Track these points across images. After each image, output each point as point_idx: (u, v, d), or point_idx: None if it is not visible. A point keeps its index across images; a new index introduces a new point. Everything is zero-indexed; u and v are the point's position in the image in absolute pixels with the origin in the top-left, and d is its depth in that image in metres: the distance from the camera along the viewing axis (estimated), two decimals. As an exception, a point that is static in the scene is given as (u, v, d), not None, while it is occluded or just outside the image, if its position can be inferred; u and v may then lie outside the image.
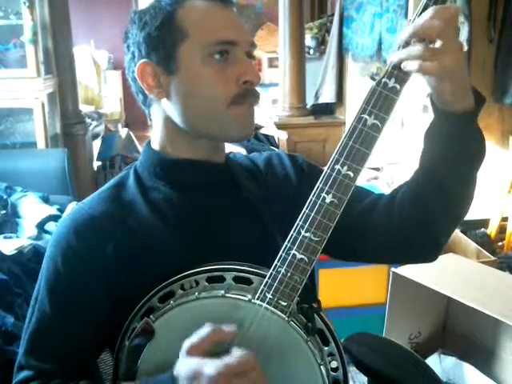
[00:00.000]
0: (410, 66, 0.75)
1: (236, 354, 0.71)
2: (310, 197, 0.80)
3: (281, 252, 0.80)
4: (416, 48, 0.74)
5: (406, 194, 0.93)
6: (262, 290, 0.80)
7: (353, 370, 1.18)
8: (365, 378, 1.15)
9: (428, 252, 0.98)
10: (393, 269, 1.96)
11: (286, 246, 0.80)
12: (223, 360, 0.71)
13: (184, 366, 0.73)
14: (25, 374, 0.87)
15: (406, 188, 0.94)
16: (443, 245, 0.96)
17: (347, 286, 2.26)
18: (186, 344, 0.74)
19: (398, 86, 0.78)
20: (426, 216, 0.90)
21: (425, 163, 0.88)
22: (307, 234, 0.79)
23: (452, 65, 0.74)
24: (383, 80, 0.78)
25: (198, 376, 0.71)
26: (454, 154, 0.84)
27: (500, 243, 2.95)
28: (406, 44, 0.76)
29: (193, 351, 0.73)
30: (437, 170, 0.86)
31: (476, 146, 0.85)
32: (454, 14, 0.75)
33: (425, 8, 0.76)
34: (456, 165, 0.85)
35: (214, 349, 0.74)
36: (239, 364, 0.71)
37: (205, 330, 0.74)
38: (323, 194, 0.79)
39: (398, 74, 0.78)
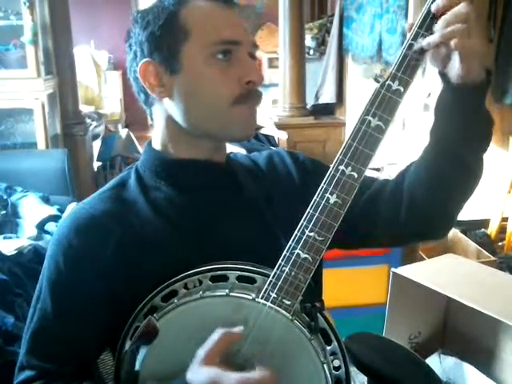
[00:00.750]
0: (456, 45, 0.76)
1: (258, 370, 0.73)
2: (314, 197, 0.81)
3: (285, 251, 0.81)
4: (460, 25, 0.76)
5: (419, 172, 0.93)
6: (266, 289, 0.80)
7: (353, 370, 1.18)
8: (365, 378, 1.15)
9: (440, 228, 0.99)
10: (393, 269, 1.96)
11: (291, 245, 0.80)
12: (244, 374, 0.73)
13: (200, 375, 0.74)
14: (26, 373, 0.87)
15: (416, 167, 0.94)
16: (455, 219, 0.97)
17: (347, 286, 2.26)
18: (201, 352, 0.75)
19: (401, 89, 0.79)
20: (441, 190, 0.91)
21: (440, 139, 0.89)
22: (311, 234, 0.80)
23: (481, 41, 0.78)
24: (387, 82, 0.79)
25: None
26: (469, 124, 0.85)
27: (500, 243, 2.95)
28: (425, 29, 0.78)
29: (208, 360, 0.74)
30: (452, 142, 0.87)
31: (487, 117, 0.87)
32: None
33: (428, 10, 0.78)
34: (471, 135, 0.86)
35: (227, 350, 0.75)
36: (260, 380, 0.72)
37: (216, 335, 0.75)
38: (327, 195, 0.80)
39: (402, 77, 0.78)
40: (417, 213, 0.94)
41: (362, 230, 0.99)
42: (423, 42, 0.78)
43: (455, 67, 0.81)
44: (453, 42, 0.76)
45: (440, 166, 0.90)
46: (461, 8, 0.76)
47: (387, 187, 0.99)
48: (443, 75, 0.84)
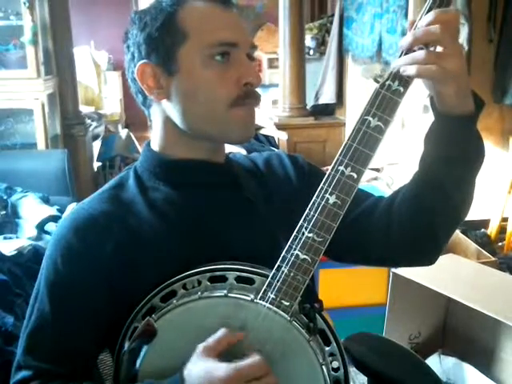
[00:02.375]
0: (410, 70, 0.75)
1: (248, 359, 0.74)
2: (314, 198, 0.80)
3: (284, 252, 0.80)
4: (418, 53, 0.75)
5: (406, 197, 0.93)
6: (265, 289, 0.80)
7: (353, 371, 1.18)
8: (365, 378, 1.15)
9: (428, 254, 0.98)
10: (393, 269, 1.96)
11: (290, 246, 0.80)
12: (235, 364, 0.73)
13: (197, 367, 0.75)
14: (23, 374, 0.86)
15: (405, 191, 0.94)
16: (443, 247, 0.96)
17: (347, 286, 2.26)
18: (200, 347, 0.76)
19: (401, 89, 0.78)
20: (426, 218, 0.90)
21: (425, 166, 0.88)
22: (310, 235, 0.80)
23: (454, 68, 0.75)
24: (387, 82, 0.78)
25: (210, 378, 0.73)
26: (454, 156, 0.84)
27: (500, 244, 2.95)
28: (408, 50, 0.77)
29: (208, 353, 0.75)
30: (437, 173, 0.86)
31: (476, 149, 0.85)
32: (453, 17, 0.75)
33: (429, 10, 0.77)
34: (457, 168, 0.85)
35: (226, 351, 0.76)
36: (250, 369, 0.73)
37: (218, 333, 0.76)
38: (326, 195, 0.80)
39: (402, 77, 0.78)
40: (404, 235, 0.93)
41: (351, 243, 0.97)
42: (392, 64, 0.78)
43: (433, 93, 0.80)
44: (403, 68, 0.76)
45: (423, 194, 0.89)
46: (433, 28, 0.74)
47: (380, 205, 0.98)
48: (432, 100, 0.83)
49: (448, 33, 0.74)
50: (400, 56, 0.78)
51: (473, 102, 0.81)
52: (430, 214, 0.89)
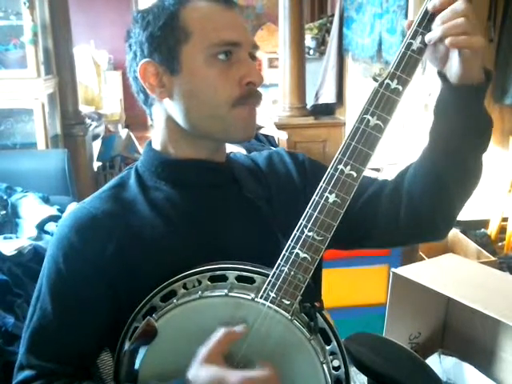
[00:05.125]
0: (456, 41, 0.76)
1: (260, 369, 0.75)
2: (313, 196, 0.80)
3: (284, 251, 0.80)
4: (459, 21, 0.75)
5: (419, 173, 0.93)
6: (266, 288, 0.80)
7: (353, 370, 1.18)
8: (365, 378, 1.15)
9: (440, 228, 0.99)
10: (393, 269, 1.96)
11: (290, 245, 0.80)
12: (247, 372, 0.74)
13: (203, 374, 0.74)
14: (25, 373, 0.86)
15: (415, 167, 0.94)
16: (455, 219, 0.97)
17: (347, 286, 2.26)
18: (203, 350, 0.76)
19: (400, 88, 0.79)
20: (441, 190, 0.91)
21: (440, 138, 0.89)
22: (310, 234, 0.80)
23: (482, 40, 0.77)
24: (386, 81, 0.79)
25: None
26: (468, 124, 0.85)
27: (500, 243, 2.95)
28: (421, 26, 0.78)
29: (211, 358, 0.75)
30: (452, 143, 0.87)
31: (486, 117, 0.87)
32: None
33: (425, 12, 0.77)
34: (470, 136, 0.86)
35: (229, 351, 0.77)
36: (262, 379, 0.74)
37: (219, 334, 0.76)
38: (326, 194, 0.80)
39: (401, 75, 0.78)
40: (416, 213, 0.94)
41: (362, 230, 0.99)
42: (425, 38, 0.78)
43: (454, 66, 0.80)
44: (451, 39, 0.76)
45: (439, 166, 0.90)
46: (457, 5, 0.76)
47: (386, 188, 0.98)
48: (442, 75, 0.84)
49: (469, 6, 0.75)
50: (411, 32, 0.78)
51: (482, 71, 0.82)
52: (445, 186, 0.90)
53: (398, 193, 0.95)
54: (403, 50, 0.78)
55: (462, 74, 0.81)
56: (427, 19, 0.78)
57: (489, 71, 0.84)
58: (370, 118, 0.79)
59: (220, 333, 0.77)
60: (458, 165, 0.88)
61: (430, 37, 0.77)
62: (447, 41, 0.76)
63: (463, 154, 0.87)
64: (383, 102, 0.79)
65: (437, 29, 0.77)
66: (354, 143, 0.79)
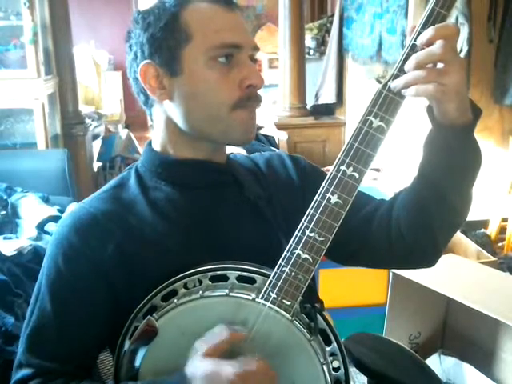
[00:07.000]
0: (410, 91, 0.75)
1: (254, 359, 0.74)
2: (316, 197, 0.80)
3: (285, 251, 0.80)
4: (418, 73, 0.74)
5: (405, 202, 0.93)
6: (266, 289, 0.80)
7: (353, 371, 1.19)
8: (365, 378, 1.15)
9: (427, 258, 0.98)
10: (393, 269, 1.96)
11: (291, 245, 0.80)
12: (242, 363, 0.73)
13: (201, 366, 0.74)
14: (24, 372, 0.86)
15: (404, 196, 0.94)
16: (442, 250, 0.96)
17: (347, 286, 2.26)
18: (203, 345, 0.76)
19: None
20: (426, 223, 0.90)
21: (424, 173, 0.88)
22: (312, 234, 0.80)
23: (455, 83, 0.74)
24: (389, 83, 0.78)
25: (216, 377, 0.73)
26: (454, 165, 0.84)
27: (500, 244, 2.95)
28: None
29: (211, 353, 0.75)
30: (437, 180, 0.86)
31: (474, 156, 0.85)
32: (453, 32, 0.74)
33: (431, 12, 0.75)
34: (456, 175, 0.85)
35: (229, 349, 0.76)
36: (258, 369, 0.74)
37: (221, 331, 0.76)
38: (328, 195, 0.80)
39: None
40: (403, 240, 0.93)
41: (353, 246, 0.98)
42: (391, 84, 0.77)
43: (434, 106, 0.80)
44: (410, 90, 0.75)
45: (423, 200, 0.89)
46: (435, 48, 0.73)
47: (380, 210, 0.98)
48: (430, 109, 0.83)
49: (449, 49, 0.73)
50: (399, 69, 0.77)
51: (471, 112, 0.80)
52: (429, 219, 0.90)
53: (388, 217, 0.95)
54: (407, 51, 0.77)
55: (440, 115, 0.80)
56: (431, 22, 0.75)
57: (477, 108, 0.81)
58: (372, 119, 0.79)
59: (225, 332, 0.76)
60: (440, 200, 0.87)
61: (395, 85, 0.76)
62: (407, 92, 0.75)
63: (445, 189, 0.86)
64: (386, 104, 0.78)
65: (401, 77, 0.75)
66: (356, 144, 0.79)
